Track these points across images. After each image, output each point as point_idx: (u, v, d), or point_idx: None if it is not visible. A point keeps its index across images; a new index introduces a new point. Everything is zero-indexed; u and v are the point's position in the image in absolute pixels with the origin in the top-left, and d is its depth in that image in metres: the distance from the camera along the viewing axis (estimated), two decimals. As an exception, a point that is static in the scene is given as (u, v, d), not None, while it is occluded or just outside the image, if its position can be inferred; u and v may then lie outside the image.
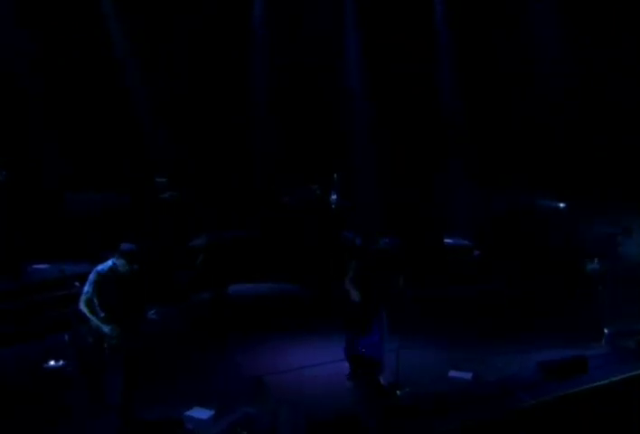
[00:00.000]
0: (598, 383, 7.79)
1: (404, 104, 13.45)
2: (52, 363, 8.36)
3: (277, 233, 12.53)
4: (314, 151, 13.56)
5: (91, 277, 7.03)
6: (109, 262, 7.07)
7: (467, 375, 8.29)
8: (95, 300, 6.93)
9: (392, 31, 13.34)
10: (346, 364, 8.14)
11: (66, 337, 7.78)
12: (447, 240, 13.15)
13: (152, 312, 7.26)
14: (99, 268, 7.06)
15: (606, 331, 9.18)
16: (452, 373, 8.34)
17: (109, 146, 12.45)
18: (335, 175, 12.74)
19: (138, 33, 12.77)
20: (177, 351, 9.08)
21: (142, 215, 11.82)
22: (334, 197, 12.80)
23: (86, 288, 7.00)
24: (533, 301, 11.16)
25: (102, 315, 6.88)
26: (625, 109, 12.11)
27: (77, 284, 7.39)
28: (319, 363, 8.67)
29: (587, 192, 12.16)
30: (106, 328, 6.86)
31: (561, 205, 13.09)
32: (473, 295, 11.67)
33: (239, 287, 11.98)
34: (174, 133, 13.18)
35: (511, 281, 12.01)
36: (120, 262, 7.00)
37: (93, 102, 12.43)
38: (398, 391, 7.71)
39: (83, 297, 6.98)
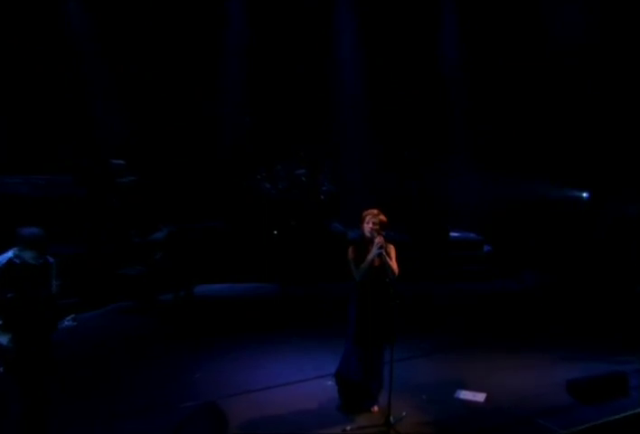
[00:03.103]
0: (640, 409, 6.96)
1: (405, 96, 13.43)
2: None
3: (255, 226, 11.91)
4: (306, 138, 13.24)
5: None
6: (9, 253, 5.72)
7: (479, 397, 7.25)
8: None
9: (391, 22, 13.30)
10: (331, 383, 7.08)
11: None
12: (453, 234, 12.72)
13: (69, 317, 5.85)
14: None
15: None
16: (460, 394, 7.31)
17: (57, 125, 11.90)
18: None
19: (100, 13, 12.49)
20: (106, 367, 7.87)
21: (95, 202, 11.07)
22: (324, 188, 12.43)
23: None
24: (558, 305, 10.57)
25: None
26: (630, 104, 12.14)
27: None
28: (294, 380, 7.52)
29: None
30: (2, 339, 5.58)
31: (584, 195, 12.87)
32: (484, 296, 11.17)
33: (206, 287, 11.15)
34: (138, 114, 12.73)
35: (529, 281, 11.63)
36: (27, 254, 5.65)
37: (46, 82, 11.84)
38: (391, 418, 6.46)
39: None
